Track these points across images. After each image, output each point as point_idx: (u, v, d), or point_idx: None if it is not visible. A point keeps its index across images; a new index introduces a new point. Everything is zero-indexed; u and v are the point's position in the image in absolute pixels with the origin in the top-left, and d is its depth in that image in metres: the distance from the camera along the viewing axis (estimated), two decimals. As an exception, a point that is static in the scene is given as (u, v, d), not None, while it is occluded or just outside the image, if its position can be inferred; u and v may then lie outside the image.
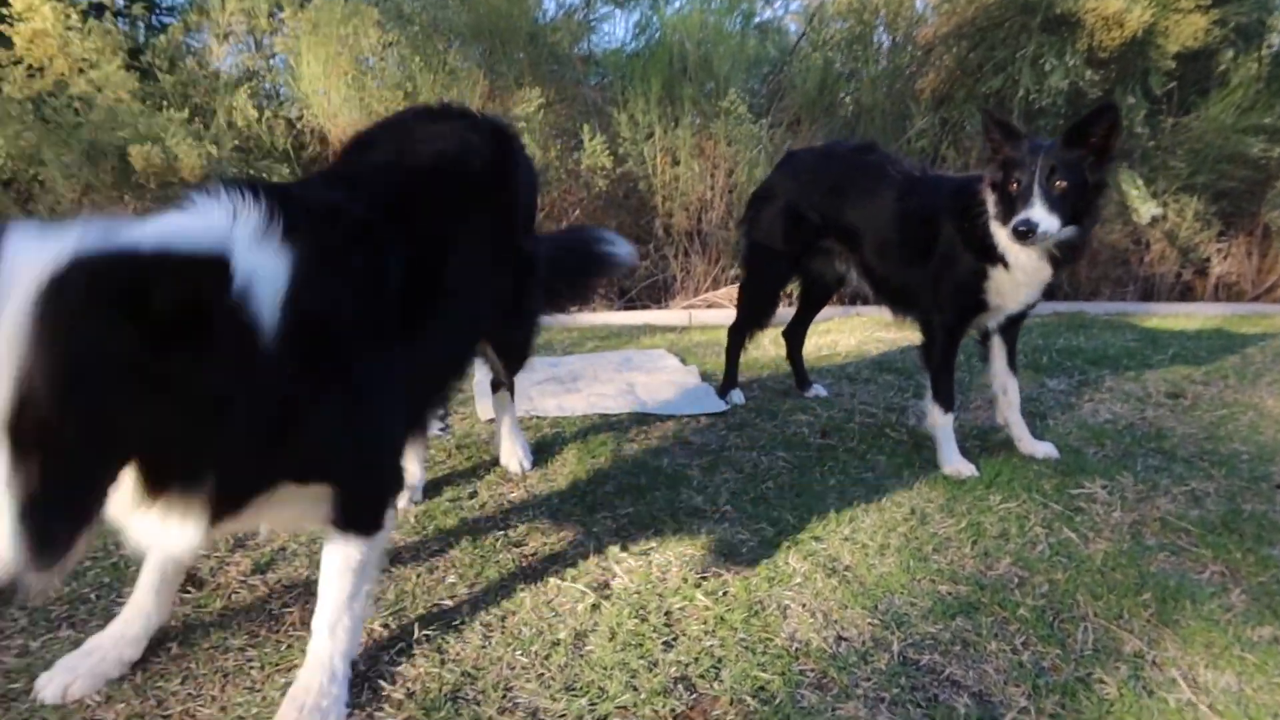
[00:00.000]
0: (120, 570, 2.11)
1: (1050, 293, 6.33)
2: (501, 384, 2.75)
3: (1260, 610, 2.10)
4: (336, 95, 5.68)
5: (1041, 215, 2.57)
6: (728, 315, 5.67)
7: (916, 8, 6.85)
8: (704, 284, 6.19)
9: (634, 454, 2.92)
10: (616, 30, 9.20)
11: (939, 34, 6.74)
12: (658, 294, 6.34)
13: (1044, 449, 3.02)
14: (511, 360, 2.62)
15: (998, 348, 3.07)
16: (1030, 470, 2.88)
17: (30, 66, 5.35)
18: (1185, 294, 7.18)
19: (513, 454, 2.75)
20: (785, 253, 3.40)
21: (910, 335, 3.37)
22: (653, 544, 2.29)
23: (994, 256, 2.80)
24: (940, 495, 2.68)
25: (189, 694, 1.68)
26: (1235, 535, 2.47)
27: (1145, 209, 6.12)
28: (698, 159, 6.08)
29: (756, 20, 6.99)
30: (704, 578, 2.14)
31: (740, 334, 3.59)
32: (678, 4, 7.35)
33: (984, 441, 3.17)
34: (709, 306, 6.06)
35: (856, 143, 3.57)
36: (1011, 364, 3.07)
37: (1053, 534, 2.46)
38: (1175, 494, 2.74)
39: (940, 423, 2.94)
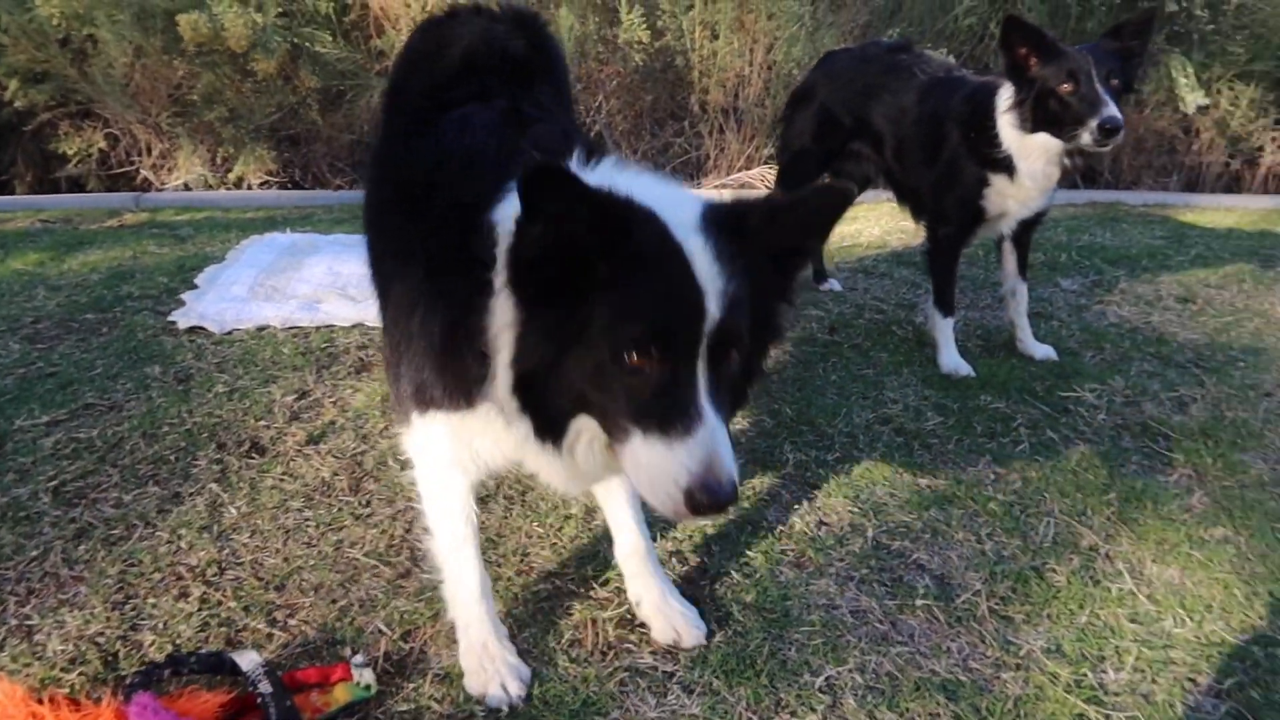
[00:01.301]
0: (194, 435, 2.40)
1: (1091, 179, 6.28)
2: None
3: (1218, 512, 2.30)
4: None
5: (1119, 113, 2.64)
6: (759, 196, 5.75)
7: None
8: (738, 162, 6.22)
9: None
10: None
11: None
12: (692, 173, 6.39)
13: (1043, 351, 3.18)
14: None
15: (1009, 251, 3.18)
16: (1026, 372, 3.05)
17: (77, -75, 5.40)
18: (1232, 185, 7.04)
19: None
20: (816, 154, 3.50)
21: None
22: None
23: (1000, 165, 2.88)
24: (935, 393, 2.87)
25: (257, 545, 1.98)
26: (1211, 441, 2.64)
27: (1191, 98, 5.96)
28: (737, 34, 6.00)
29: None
30: (705, 463, 2.38)
31: None
32: None
33: (987, 342, 3.32)
34: (741, 186, 6.12)
35: (892, 42, 3.59)
36: (1022, 268, 3.19)
37: (1035, 434, 2.65)
38: (1163, 399, 2.89)
39: (940, 325, 3.10)
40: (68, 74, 5.50)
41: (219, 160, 5.92)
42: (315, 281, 3.47)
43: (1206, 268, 4.31)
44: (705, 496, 1.20)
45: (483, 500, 2.17)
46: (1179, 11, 5.92)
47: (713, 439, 1.22)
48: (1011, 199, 2.95)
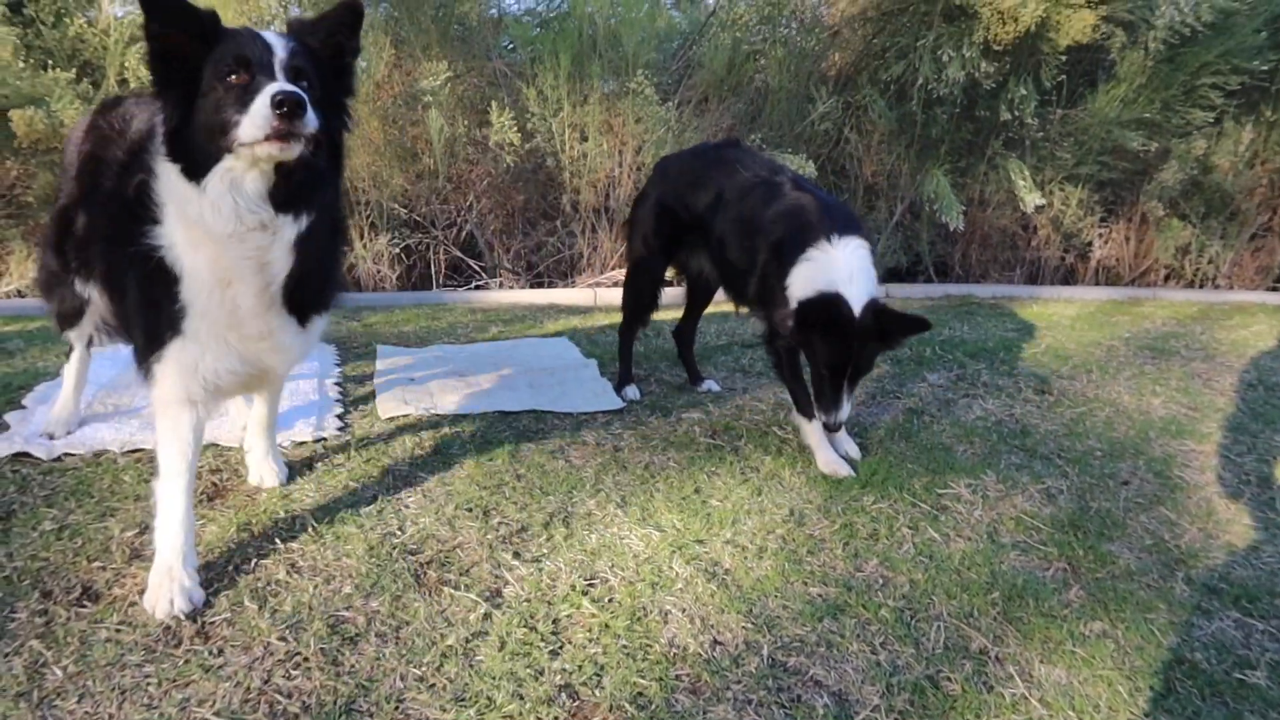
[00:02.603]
0: (13, 583, 2.12)
1: (944, 272, 6.61)
2: None
3: (1094, 606, 2.34)
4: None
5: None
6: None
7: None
8: (610, 261, 6.27)
9: (530, 455, 3.01)
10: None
11: (845, 16, 6.89)
12: (565, 271, 6.39)
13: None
14: None
15: None
16: (904, 469, 3.09)
17: (-101, 18, 5.04)
18: (1069, 276, 7.58)
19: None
20: (658, 248, 3.54)
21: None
22: (544, 550, 2.40)
23: None
24: (818, 496, 2.87)
25: (86, 712, 1.73)
26: (1080, 533, 2.72)
27: (1030, 198, 6.42)
28: (606, 136, 6.12)
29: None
30: (591, 584, 2.27)
31: (630, 331, 3.72)
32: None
33: (863, 438, 3.37)
34: (615, 284, 6.15)
35: (721, 140, 3.72)
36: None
37: (918, 534, 2.66)
38: (1032, 492, 2.98)
39: (807, 430, 3.12)
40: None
41: (57, 263, 5.52)
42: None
43: (1057, 358, 4.55)
44: (282, 96, 1.79)
45: (352, 640, 1.98)
46: (1012, 120, 6.40)
47: (278, 85, 1.84)
48: None
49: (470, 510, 2.59)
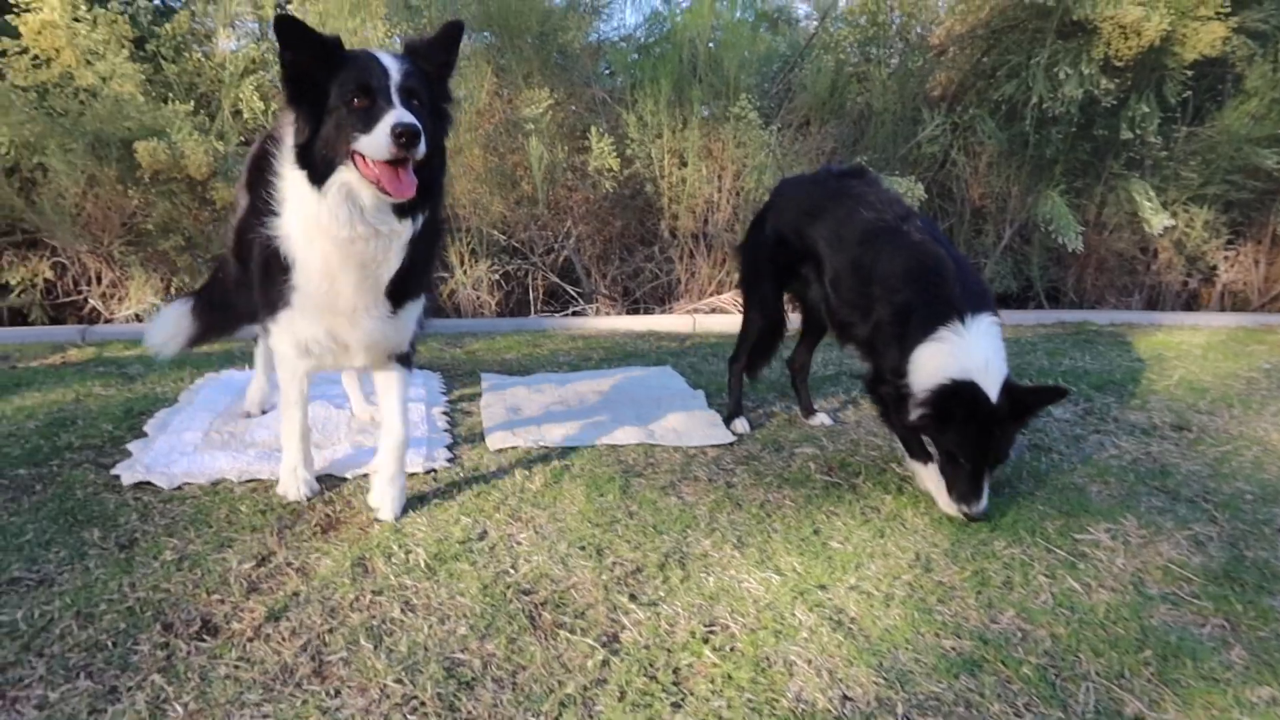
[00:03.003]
0: (136, 614, 2.13)
1: (1055, 298, 6.36)
2: None
3: (1259, 668, 2.12)
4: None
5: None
6: (731, 320, 5.71)
7: (932, 6, 6.78)
8: (709, 287, 6.18)
9: (641, 490, 2.93)
10: (626, 18, 9.06)
11: (952, 34, 6.68)
12: (662, 297, 6.33)
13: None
14: None
15: None
16: (1035, 511, 2.89)
17: (36, 56, 5.31)
18: (1191, 302, 7.17)
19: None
20: (771, 276, 3.43)
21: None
22: (661, 593, 2.31)
23: None
24: (944, 539, 2.70)
25: (203, 753, 1.70)
26: (1237, 585, 2.49)
27: (1157, 220, 6.09)
28: (705, 161, 6.05)
29: (764, 2, 6.90)
30: (711, 631, 2.16)
31: (739, 362, 3.60)
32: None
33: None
34: (713, 311, 6.06)
35: (846, 167, 3.53)
36: None
37: (1056, 583, 2.47)
38: (1178, 538, 2.75)
39: (922, 473, 2.95)
40: (14, 203, 5.31)
41: (173, 289, 5.73)
42: (275, 426, 3.23)
43: (1192, 391, 4.26)
44: (401, 129, 2.09)
45: (468, 684, 1.92)
46: (1134, 139, 6.10)
47: (398, 114, 2.13)
48: None
49: (583, 549, 2.51)
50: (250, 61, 5.98)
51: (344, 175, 2.22)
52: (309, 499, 2.74)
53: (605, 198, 6.11)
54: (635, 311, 6.30)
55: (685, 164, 6.02)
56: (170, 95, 5.62)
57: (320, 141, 2.21)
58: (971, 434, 2.67)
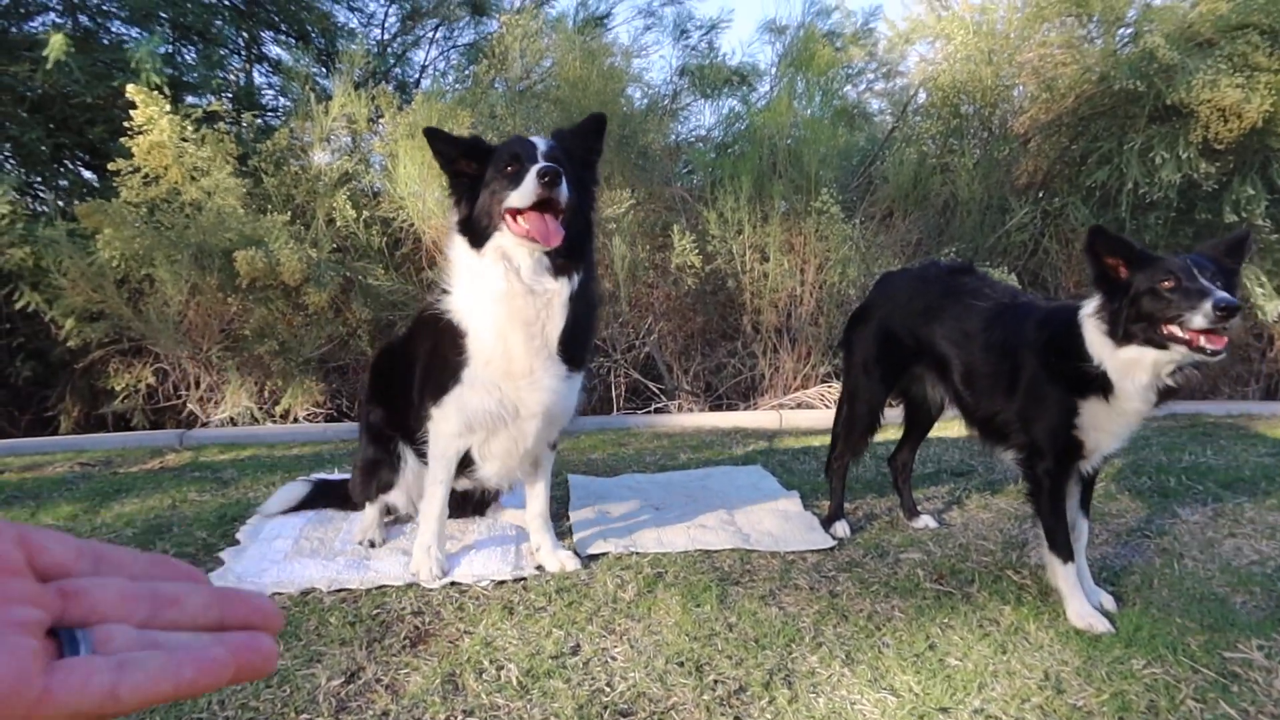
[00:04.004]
0: None
1: (1165, 390, 5.99)
2: None
3: None
4: (431, 197, 5.79)
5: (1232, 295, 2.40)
6: (818, 416, 5.55)
7: (1014, 97, 6.70)
8: (794, 382, 6.04)
9: (740, 600, 2.76)
10: (705, 117, 9.19)
11: (1037, 123, 6.58)
12: (746, 392, 6.21)
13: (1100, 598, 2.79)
14: None
15: (1073, 484, 2.86)
16: (1173, 625, 2.63)
17: (146, 174, 5.60)
18: (1311, 390, 6.74)
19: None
20: (880, 375, 3.31)
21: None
22: (768, 716, 2.12)
23: (1091, 387, 2.62)
24: (1075, 656, 2.46)
25: None
26: None
27: (1271, 306, 5.78)
28: (787, 255, 5.99)
29: (840, 100, 6.91)
30: (827, 764, 1.97)
31: (841, 461, 3.45)
32: (763, 95, 7.37)
33: (1117, 585, 2.92)
34: (799, 406, 5.90)
35: (952, 263, 3.44)
36: (1086, 504, 2.87)
37: (1209, 708, 2.21)
38: (1344, 658, 2.45)
39: (1062, 573, 2.72)
40: (123, 313, 5.53)
41: (266, 393, 5.84)
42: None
43: (1335, 490, 3.92)
44: (543, 169, 2.43)
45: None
46: (1239, 222, 5.84)
47: (541, 164, 2.44)
48: (1104, 427, 2.67)
49: (682, 665, 2.35)
50: (343, 173, 6.21)
51: (499, 240, 2.55)
52: (439, 579, 2.83)
53: (686, 294, 6.08)
54: (718, 408, 6.18)
55: (767, 259, 5.97)
56: (269, 206, 5.85)
57: (478, 210, 2.58)
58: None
